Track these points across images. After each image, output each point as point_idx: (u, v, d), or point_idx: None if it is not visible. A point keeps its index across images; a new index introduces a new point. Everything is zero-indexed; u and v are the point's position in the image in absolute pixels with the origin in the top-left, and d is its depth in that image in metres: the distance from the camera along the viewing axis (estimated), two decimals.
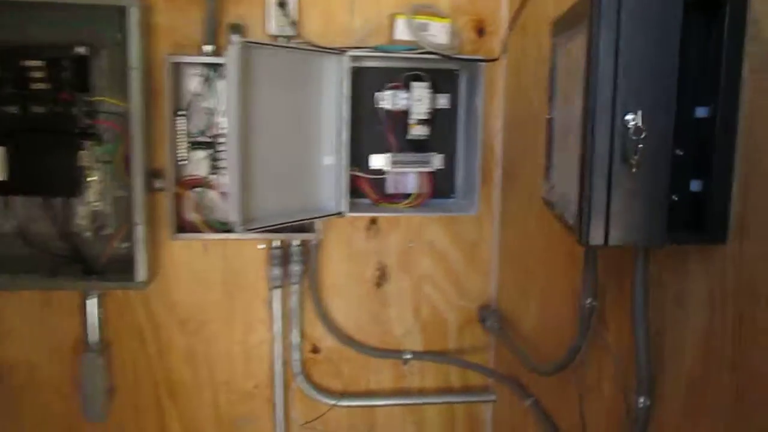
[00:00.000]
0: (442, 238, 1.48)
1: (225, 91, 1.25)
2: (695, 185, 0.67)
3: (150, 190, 1.25)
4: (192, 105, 1.28)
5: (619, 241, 0.64)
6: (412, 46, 1.27)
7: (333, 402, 1.47)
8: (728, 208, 0.65)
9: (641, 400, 0.76)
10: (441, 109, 1.33)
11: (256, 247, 1.40)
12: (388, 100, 1.29)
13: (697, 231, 0.67)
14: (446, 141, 1.36)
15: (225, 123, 1.27)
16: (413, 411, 1.54)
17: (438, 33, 1.30)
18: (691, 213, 0.67)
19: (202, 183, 1.30)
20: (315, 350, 1.48)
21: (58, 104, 1.19)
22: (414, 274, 1.48)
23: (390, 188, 1.35)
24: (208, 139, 1.29)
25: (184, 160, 1.28)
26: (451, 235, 1.48)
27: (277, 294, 1.41)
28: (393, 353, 1.49)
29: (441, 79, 1.32)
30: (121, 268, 1.26)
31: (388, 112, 1.30)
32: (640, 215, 0.64)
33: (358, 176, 1.31)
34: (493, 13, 1.40)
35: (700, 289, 0.71)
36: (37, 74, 1.18)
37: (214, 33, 1.27)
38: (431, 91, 1.30)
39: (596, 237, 0.64)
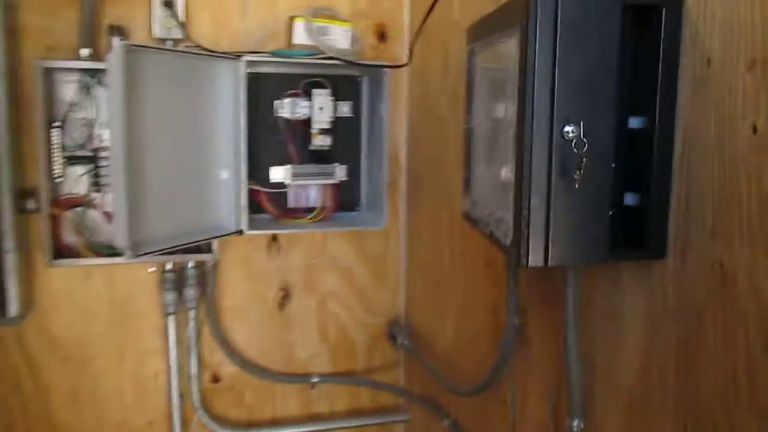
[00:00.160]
0: (347, 253, 1.43)
1: (107, 99, 1.18)
2: (629, 198, 0.64)
3: (21, 211, 1.15)
4: (68, 116, 1.18)
5: (560, 261, 0.60)
6: (312, 51, 1.20)
7: None
8: (667, 222, 0.62)
9: (575, 423, 0.73)
10: (343, 117, 1.27)
11: (146, 270, 1.30)
12: (287, 108, 1.21)
13: (635, 246, 0.63)
14: (350, 151, 1.29)
15: (107, 135, 1.18)
16: None
17: (338, 37, 1.25)
18: (627, 227, 0.64)
19: (81, 202, 1.21)
20: (215, 379, 1.38)
21: None
22: (318, 292, 1.43)
23: (291, 202, 1.28)
24: (89, 153, 1.20)
25: (61, 177, 1.18)
26: (356, 249, 1.43)
27: (171, 321, 1.32)
28: (299, 377, 1.43)
29: (342, 85, 1.26)
30: None
31: (288, 121, 1.23)
32: (582, 233, 0.60)
33: (257, 190, 1.22)
34: (395, 18, 1.37)
35: (636, 307, 0.68)
36: None
37: (92, 35, 1.18)
38: (333, 98, 1.23)
39: (536, 259, 0.60)
